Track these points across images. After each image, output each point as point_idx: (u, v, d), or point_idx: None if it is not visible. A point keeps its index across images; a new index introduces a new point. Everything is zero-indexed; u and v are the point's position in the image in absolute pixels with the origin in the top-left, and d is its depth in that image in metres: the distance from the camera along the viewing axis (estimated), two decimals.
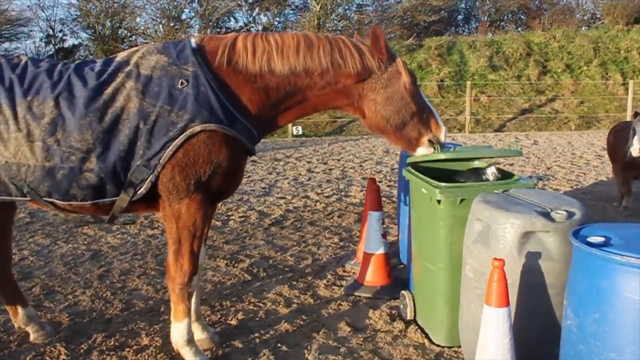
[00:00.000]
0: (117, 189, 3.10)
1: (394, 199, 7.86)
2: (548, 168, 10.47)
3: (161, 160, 3.04)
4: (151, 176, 3.07)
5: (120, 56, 3.27)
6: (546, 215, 3.06)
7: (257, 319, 4.22)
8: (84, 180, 3.04)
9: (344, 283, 4.88)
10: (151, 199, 3.21)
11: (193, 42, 3.28)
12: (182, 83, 3.07)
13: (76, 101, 3.04)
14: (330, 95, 3.38)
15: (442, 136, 3.46)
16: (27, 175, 3.03)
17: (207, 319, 4.14)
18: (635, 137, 6.34)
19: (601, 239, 2.58)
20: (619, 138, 7.18)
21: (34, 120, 3.01)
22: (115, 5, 21.57)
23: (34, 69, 3.15)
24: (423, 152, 3.48)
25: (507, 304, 2.84)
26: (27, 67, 3.16)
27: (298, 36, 3.29)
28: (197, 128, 3.04)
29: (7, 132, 3.01)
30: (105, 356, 3.67)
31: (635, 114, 6.67)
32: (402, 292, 4.23)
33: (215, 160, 3.13)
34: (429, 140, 3.45)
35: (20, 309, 3.82)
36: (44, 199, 3.11)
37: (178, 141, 3.03)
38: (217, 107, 3.09)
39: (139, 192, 3.11)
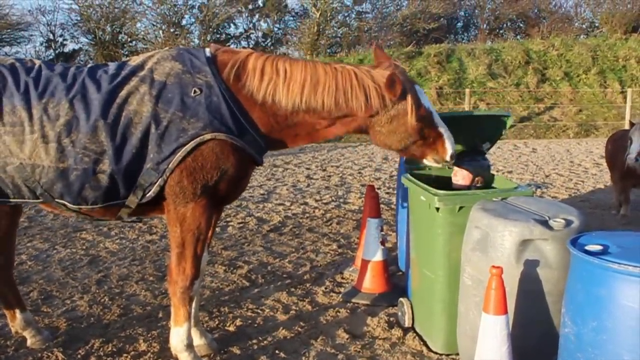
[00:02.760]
0: (127, 191, 3.16)
1: (392, 206, 7.87)
2: (546, 176, 10.49)
3: (170, 165, 3.09)
4: (160, 180, 3.12)
5: (135, 61, 3.32)
6: (544, 223, 3.07)
7: (255, 325, 4.22)
8: (96, 182, 3.09)
9: (342, 290, 4.88)
10: (159, 202, 3.25)
11: (208, 51, 3.31)
12: (195, 91, 3.12)
13: (91, 103, 3.09)
14: (340, 127, 3.41)
15: (447, 157, 3.44)
16: (41, 177, 3.08)
17: (205, 325, 4.13)
18: (632, 146, 6.38)
19: (599, 248, 2.60)
20: (617, 146, 7.20)
21: (49, 122, 3.05)
22: (116, 10, 21.63)
23: (48, 72, 3.20)
24: (428, 163, 3.58)
25: (505, 312, 2.85)
26: (41, 70, 3.21)
27: (306, 70, 3.26)
28: (208, 136, 3.09)
29: (22, 134, 3.05)
30: None
31: (631, 124, 6.71)
32: (401, 299, 4.23)
33: (223, 167, 3.18)
34: (433, 159, 3.48)
35: (18, 314, 3.82)
36: (56, 200, 3.15)
37: (188, 147, 3.08)
38: (228, 117, 3.14)
39: (147, 195, 3.16)
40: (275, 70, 3.24)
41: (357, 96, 3.24)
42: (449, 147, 3.42)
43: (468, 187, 4.01)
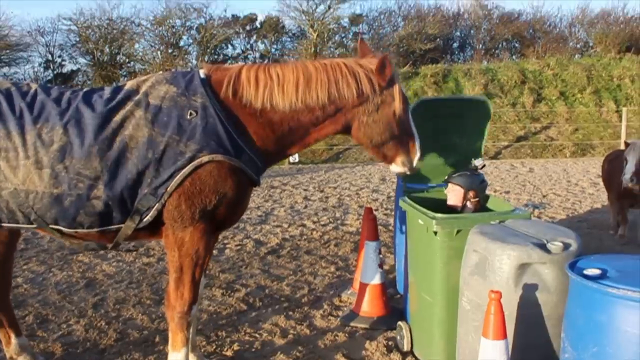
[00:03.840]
0: (123, 216, 3.13)
1: (390, 227, 7.85)
2: (544, 196, 10.49)
3: (168, 189, 3.08)
4: (157, 204, 3.10)
5: (129, 85, 3.32)
6: (542, 246, 3.07)
7: (253, 349, 4.18)
8: (91, 208, 3.07)
9: (340, 313, 4.85)
10: (155, 227, 3.23)
11: (202, 72, 3.33)
12: (191, 114, 3.13)
13: (85, 129, 3.08)
14: (330, 126, 3.43)
15: (415, 161, 3.55)
16: (34, 202, 3.06)
17: (202, 350, 4.10)
18: (627, 167, 6.41)
19: (598, 272, 2.58)
20: (613, 166, 7.22)
21: (43, 148, 3.04)
22: (114, 31, 21.78)
23: (43, 97, 3.19)
24: (396, 169, 3.60)
25: (505, 337, 2.83)
26: (36, 95, 3.20)
27: (297, 69, 3.32)
28: (205, 158, 3.08)
29: (16, 159, 3.04)
30: None
31: (626, 145, 6.74)
32: (399, 322, 4.20)
33: (221, 190, 3.16)
34: (402, 161, 3.54)
35: (13, 338, 3.78)
36: (51, 226, 3.12)
37: (186, 170, 3.07)
38: (225, 138, 3.13)
39: (144, 219, 3.14)
40: (268, 76, 3.28)
41: (348, 83, 3.30)
42: (419, 149, 3.53)
43: (463, 205, 4.02)
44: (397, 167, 3.57)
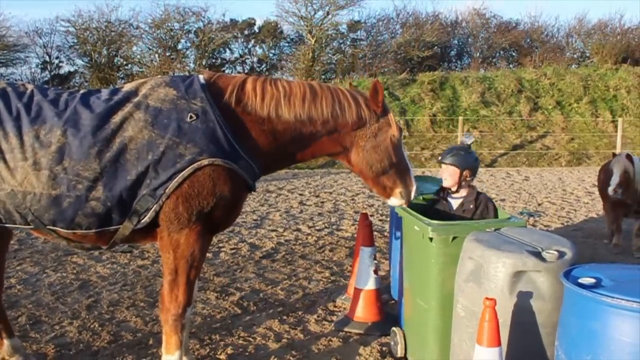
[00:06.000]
0: (122, 217, 3.14)
1: (385, 233, 7.85)
2: (539, 204, 10.52)
3: (167, 191, 3.09)
4: (155, 206, 3.11)
5: (128, 87, 3.33)
6: (537, 254, 3.07)
7: (247, 353, 4.17)
8: (89, 209, 3.07)
9: (334, 318, 4.84)
10: (151, 229, 3.24)
11: (201, 78, 3.35)
12: (191, 117, 3.14)
13: (83, 130, 3.08)
14: (328, 143, 3.51)
15: (412, 193, 3.63)
16: (32, 204, 3.05)
17: (196, 353, 4.09)
18: (612, 179, 6.48)
19: (592, 280, 2.60)
20: (608, 176, 7.25)
21: (41, 149, 3.04)
22: (112, 34, 21.80)
23: (40, 98, 3.19)
24: (394, 202, 3.68)
25: (499, 344, 2.83)
26: (33, 96, 3.20)
27: (304, 85, 3.43)
28: (205, 162, 3.10)
29: (13, 160, 3.04)
30: None
31: (614, 155, 6.81)
32: (393, 328, 4.21)
33: (219, 193, 3.18)
34: (400, 193, 3.61)
35: (5, 340, 3.76)
36: (48, 227, 3.12)
37: (185, 173, 3.08)
38: (224, 142, 3.16)
39: (142, 220, 3.15)
40: (275, 88, 3.36)
41: (349, 105, 3.44)
42: (414, 182, 3.63)
43: (459, 185, 4.02)
44: (396, 199, 3.65)
